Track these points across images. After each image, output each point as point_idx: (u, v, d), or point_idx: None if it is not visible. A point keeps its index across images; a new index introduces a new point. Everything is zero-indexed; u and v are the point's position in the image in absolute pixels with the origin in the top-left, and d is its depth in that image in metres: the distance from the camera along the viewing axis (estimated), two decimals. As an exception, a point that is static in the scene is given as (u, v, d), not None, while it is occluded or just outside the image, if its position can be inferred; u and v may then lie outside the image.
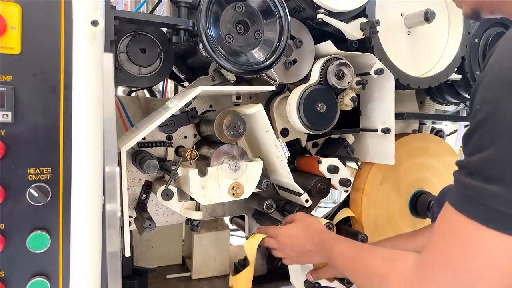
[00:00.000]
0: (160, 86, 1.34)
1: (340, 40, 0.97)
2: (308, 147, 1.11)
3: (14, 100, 0.59)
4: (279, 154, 0.88)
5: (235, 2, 0.80)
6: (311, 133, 0.95)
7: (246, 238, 1.16)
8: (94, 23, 0.61)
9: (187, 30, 0.83)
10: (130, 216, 0.90)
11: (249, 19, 0.82)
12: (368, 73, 0.95)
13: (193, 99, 0.82)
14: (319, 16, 0.89)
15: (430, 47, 1.11)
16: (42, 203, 0.61)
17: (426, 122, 1.32)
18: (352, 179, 1.09)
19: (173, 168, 0.82)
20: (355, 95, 0.96)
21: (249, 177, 0.86)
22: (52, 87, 0.62)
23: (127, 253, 0.79)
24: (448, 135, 1.48)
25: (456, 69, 1.12)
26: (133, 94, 1.27)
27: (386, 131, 0.96)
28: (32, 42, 0.60)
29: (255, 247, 0.91)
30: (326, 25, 0.92)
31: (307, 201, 0.97)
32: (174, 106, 0.82)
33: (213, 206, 1.05)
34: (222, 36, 0.79)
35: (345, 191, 1.13)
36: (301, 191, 0.95)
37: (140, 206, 0.92)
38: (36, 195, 0.60)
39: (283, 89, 1.03)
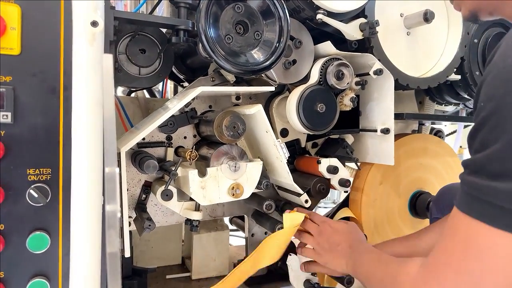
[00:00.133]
0: (159, 86, 1.34)
1: (339, 40, 0.97)
2: (307, 147, 1.11)
3: (14, 101, 0.59)
4: (278, 154, 0.89)
5: (234, 2, 0.80)
6: (311, 133, 0.95)
7: (246, 238, 1.16)
8: (94, 23, 0.61)
9: (187, 30, 0.83)
10: (129, 217, 0.90)
11: (248, 20, 0.82)
12: (368, 74, 0.95)
13: (193, 99, 0.82)
14: (319, 16, 0.89)
15: (429, 48, 1.11)
16: (41, 204, 0.61)
17: (426, 122, 1.32)
18: (351, 179, 1.09)
19: (173, 169, 0.82)
20: (355, 96, 0.96)
21: (248, 178, 0.86)
22: (51, 87, 0.62)
23: (127, 254, 0.79)
24: (447, 135, 1.48)
25: (455, 70, 1.12)
26: (132, 95, 1.27)
27: (386, 131, 0.96)
28: (32, 42, 0.60)
29: (297, 223, 0.87)
30: (325, 26, 0.92)
31: (306, 201, 0.97)
32: (174, 106, 0.82)
33: (213, 206, 1.05)
34: (221, 36, 0.79)
35: (344, 192, 1.13)
36: (301, 191, 0.95)
37: (140, 207, 0.92)
38: (36, 195, 0.60)
39: (283, 89, 1.03)
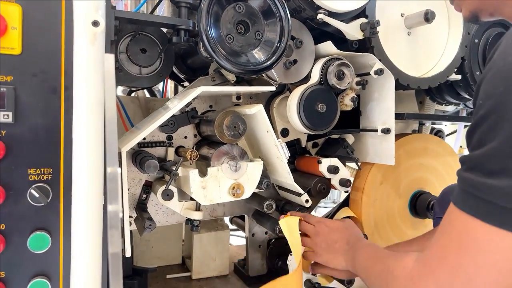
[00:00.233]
0: (160, 86, 1.34)
1: (340, 40, 0.97)
2: (308, 147, 1.11)
3: (14, 101, 0.59)
4: (279, 154, 0.89)
5: (235, 2, 0.80)
6: (311, 133, 0.95)
7: (246, 237, 1.16)
8: (95, 23, 0.61)
9: (188, 30, 0.83)
10: (130, 216, 0.90)
11: (249, 20, 0.82)
12: (368, 74, 0.95)
13: (193, 99, 0.82)
14: (320, 16, 0.89)
15: (430, 48, 1.11)
16: (42, 204, 0.61)
17: (426, 122, 1.32)
18: (352, 179, 1.09)
19: (174, 168, 0.82)
20: (355, 96, 0.96)
21: (249, 178, 0.86)
22: (52, 87, 0.62)
23: (128, 253, 0.79)
24: (447, 135, 1.48)
25: (456, 70, 1.12)
26: (133, 94, 1.27)
27: (386, 131, 0.96)
28: (33, 42, 0.60)
29: (295, 228, 0.87)
30: (326, 26, 0.92)
31: (307, 201, 0.97)
32: (175, 106, 0.82)
33: (213, 206, 1.05)
34: (222, 36, 0.79)
35: (345, 191, 1.13)
36: (301, 191, 0.95)
37: (140, 206, 0.92)
38: (37, 195, 0.60)
39: (283, 89, 1.03)
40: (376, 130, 0.98)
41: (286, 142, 0.99)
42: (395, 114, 0.96)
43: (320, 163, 0.97)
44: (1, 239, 0.59)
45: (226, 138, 0.83)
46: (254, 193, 0.89)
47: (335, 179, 0.99)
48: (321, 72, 0.93)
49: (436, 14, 0.99)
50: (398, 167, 1.10)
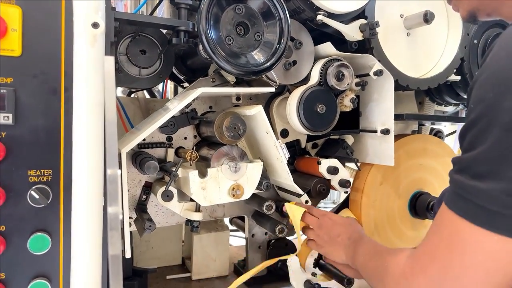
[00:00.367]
0: (159, 87, 1.34)
1: (339, 41, 0.97)
2: (307, 148, 1.11)
3: (15, 102, 0.59)
4: (279, 155, 0.89)
5: (235, 3, 0.80)
6: (311, 134, 0.95)
7: (246, 238, 1.16)
8: (95, 25, 0.62)
9: (187, 31, 0.83)
10: (130, 217, 0.90)
11: (249, 21, 0.82)
12: (368, 74, 0.95)
13: (193, 100, 0.83)
14: (319, 17, 0.89)
15: (429, 48, 1.11)
16: (42, 205, 0.61)
17: (425, 123, 1.32)
18: (351, 180, 1.09)
19: (173, 169, 0.82)
20: (355, 96, 0.97)
21: (249, 178, 0.86)
22: (52, 89, 0.62)
23: (128, 254, 0.80)
24: (447, 135, 1.48)
25: (455, 70, 1.12)
26: (132, 95, 1.27)
27: (386, 132, 0.97)
28: (33, 44, 0.61)
29: (298, 218, 0.89)
30: (325, 27, 0.92)
31: (306, 202, 0.97)
32: (174, 107, 0.82)
33: (213, 207, 1.05)
34: (222, 37, 0.79)
35: (344, 192, 1.13)
36: (301, 192, 0.96)
37: (140, 207, 0.92)
38: (37, 197, 0.60)
39: (283, 90, 1.03)
40: (376, 131, 0.98)
41: (285, 143, 0.99)
42: (395, 114, 0.97)
43: (320, 164, 0.97)
44: (1, 240, 0.59)
45: (225, 139, 0.83)
46: (254, 194, 0.89)
47: (334, 180, 0.99)
48: (321, 73, 0.93)
49: (435, 15, 0.99)
50: (397, 167, 1.10)
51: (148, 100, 1.23)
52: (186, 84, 1.24)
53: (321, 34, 0.96)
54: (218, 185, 0.83)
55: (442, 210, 0.55)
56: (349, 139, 1.08)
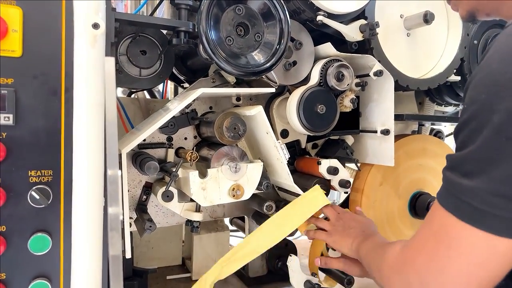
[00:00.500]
0: (160, 87, 1.34)
1: (339, 41, 0.97)
2: (307, 148, 1.11)
3: (15, 103, 0.60)
4: (279, 155, 0.89)
5: (235, 4, 0.80)
6: (311, 134, 0.95)
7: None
8: (95, 25, 0.62)
9: (188, 32, 0.83)
10: (130, 218, 0.90)
11: (249, 22, 0.82)
12: (368, 75, 0.95)
13: (193, 100, 0.83)
14: (319, 18, 0.89)
15: (429, 49, 1.11)
16: (43, 205, 0.61)
17: (425, 123, 1.32)
18: (351, 180, 1.09)
19: (174, 170, 0.82)
20: (355, 97, 0.97)
21: (249, 179, 0.86)
22: (53, 89, 0.62)
23: (128, 255, 0.80)
24: (447, 136, 1.48)
25: (455, 71, 1.12)
26: (133, 95, 1.27)
27: (386, 132, 0.97)
28: (33, 44, 0.61)
29: (321, 205, 0.89)
30: (325, 27, 0.93)
31: (307, 202, 0.97)
32: (175, 107, 0.82)
33: (213, 207, 1.05)
34: (222, 38, 0.80)
35: (344, 192, 1.13)
36: (301, 192, 0.95)
37: (140, 208, 0.92)
38: (37, 197, 0.60)
39: (283, 90, 1.03)
40: (376, 131, 0.98)
41: (286, 143, 0.99)
42: (395, 115, 0.97)
43: (320, 164, 0.98)
44: (1, 240, 0.59)
45: (226, 140, 0.83)
46: (254, 194, 0.89)
47: (334, 180, 0.99)
48: (321, 73, 0.93)
49: (435, 15, 0.99)
50: (397, 168, 1.10)
51: (148, 100, 1.23)
52: (186, 85, 1.24)
53: (321, 34, 0.96)
54: (218, 186, 0.83)
55: (434, 205, 0.58)
56: (349, 140, 1.08)
